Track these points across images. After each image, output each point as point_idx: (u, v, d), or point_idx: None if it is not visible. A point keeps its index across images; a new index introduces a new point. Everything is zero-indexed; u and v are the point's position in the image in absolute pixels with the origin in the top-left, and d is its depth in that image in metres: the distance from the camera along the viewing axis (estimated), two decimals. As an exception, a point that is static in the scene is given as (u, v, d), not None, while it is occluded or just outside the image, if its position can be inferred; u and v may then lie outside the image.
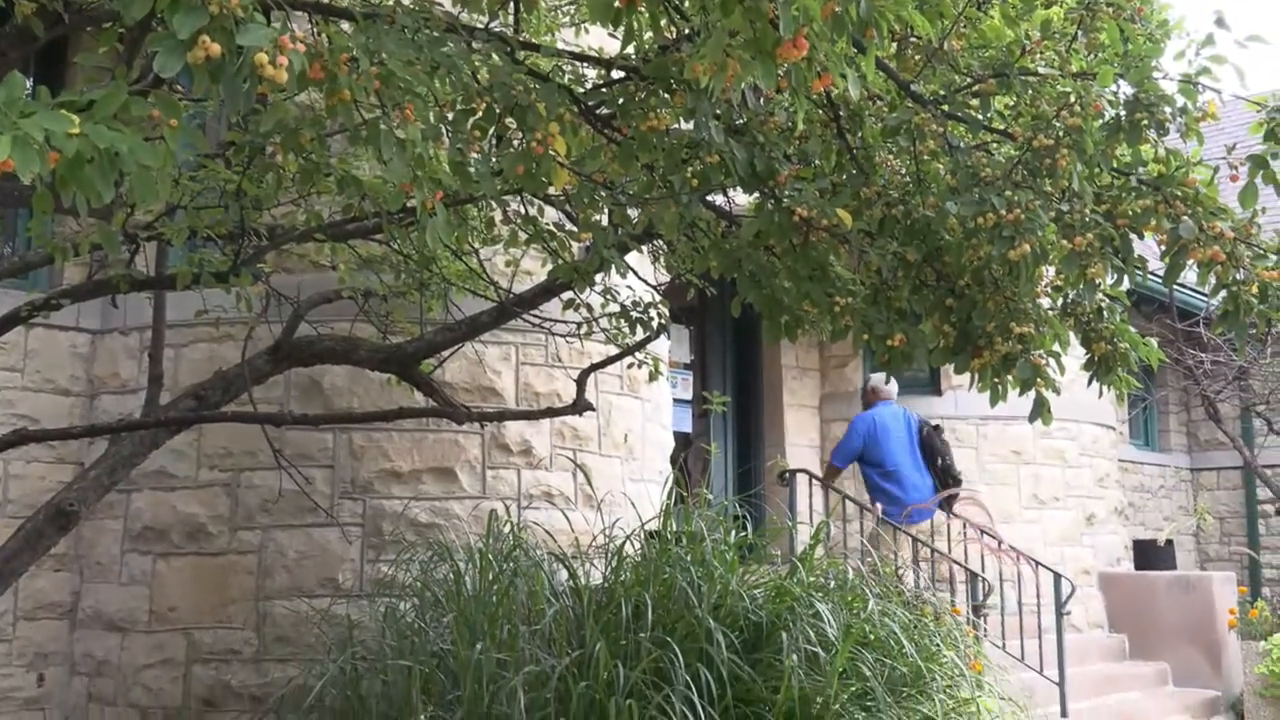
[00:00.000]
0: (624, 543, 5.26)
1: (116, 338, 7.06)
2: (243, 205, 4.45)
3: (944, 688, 4.96)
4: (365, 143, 2.83)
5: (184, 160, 4.39)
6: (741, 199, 4.68)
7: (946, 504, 9.22)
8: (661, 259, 5.93)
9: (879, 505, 9.07)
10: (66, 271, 6.70)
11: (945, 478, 9.16)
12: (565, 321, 5.98)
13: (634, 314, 5.64)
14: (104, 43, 3.21)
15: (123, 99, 2.31)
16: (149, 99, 2.38)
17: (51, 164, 2.13)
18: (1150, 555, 11.88)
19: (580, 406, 5.52)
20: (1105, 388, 4.40)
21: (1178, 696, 10.26)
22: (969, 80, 4.01)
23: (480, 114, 3.32)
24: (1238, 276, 3.85)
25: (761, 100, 3.85)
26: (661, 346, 7.52)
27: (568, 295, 5.44)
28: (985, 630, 8.20)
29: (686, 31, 3.58)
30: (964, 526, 9.70)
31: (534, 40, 4.61)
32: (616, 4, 2.75)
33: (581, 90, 3.99)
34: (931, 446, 9.17)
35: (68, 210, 2.61)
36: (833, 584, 5.41)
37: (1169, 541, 12.01)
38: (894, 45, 4.03)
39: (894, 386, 9.34)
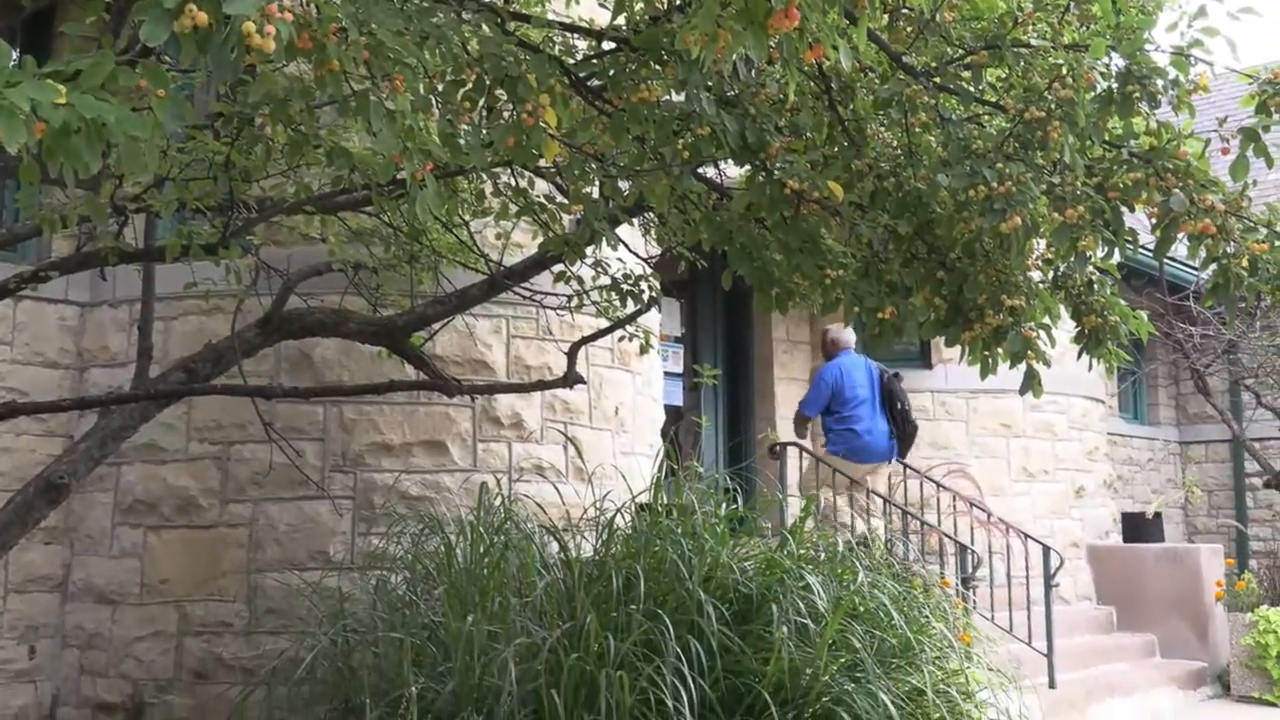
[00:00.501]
0: (615, 515, 5.26)
1: (105, 310, 7.03)
2: (231, 177, 4.43)
3: (933, 659, 4.98)
4: (354, 114, 2.81)
5: (172, 131, 4.36)
6: (733, 171, 4.67)
7: (902, 449, 9.34)
8: (652, 232, 5.92)
9: (834, 446, 9.15)
10: (55, 244, 6.68)
11: (904, 424, 9.26)
12: (556, 294, 5.97)
13: (625, 287, 5.63)
14: (90, 12, 3.18)
15: (109, 69, 2.29)
16: (136, 69, 2.36)
17: (38, 134, 2.12)
18: (1138, 528, 11.93)
19: (571, 379, 5.51)
20: (1095, 361, 4.40)
21: (1165, 668, 10.33)
22: (961, 52, 3.99)
23: (470, 85, 3.30)
24: (1228, 249, 3.85)
25: (753, 72, 3.84)
26: (652, 319, 7.51)
27: (558, 268, 5.42)
28: (974, 602, 8.25)
29: (678, 2, 3.56)
30: (954, 499, 9.74)
31: (524, 11, 4.58)
32: (607, -26, 2.73)
33: (572, 61, 3.97)
34: (891, 393, 9.28)
35: (54, 181, 2.60)
36: (823, 556, 5.42)
37: (1157, 514, 12.07)
38: (885, 16, 4.02)
39: (851, 335, 9.41)
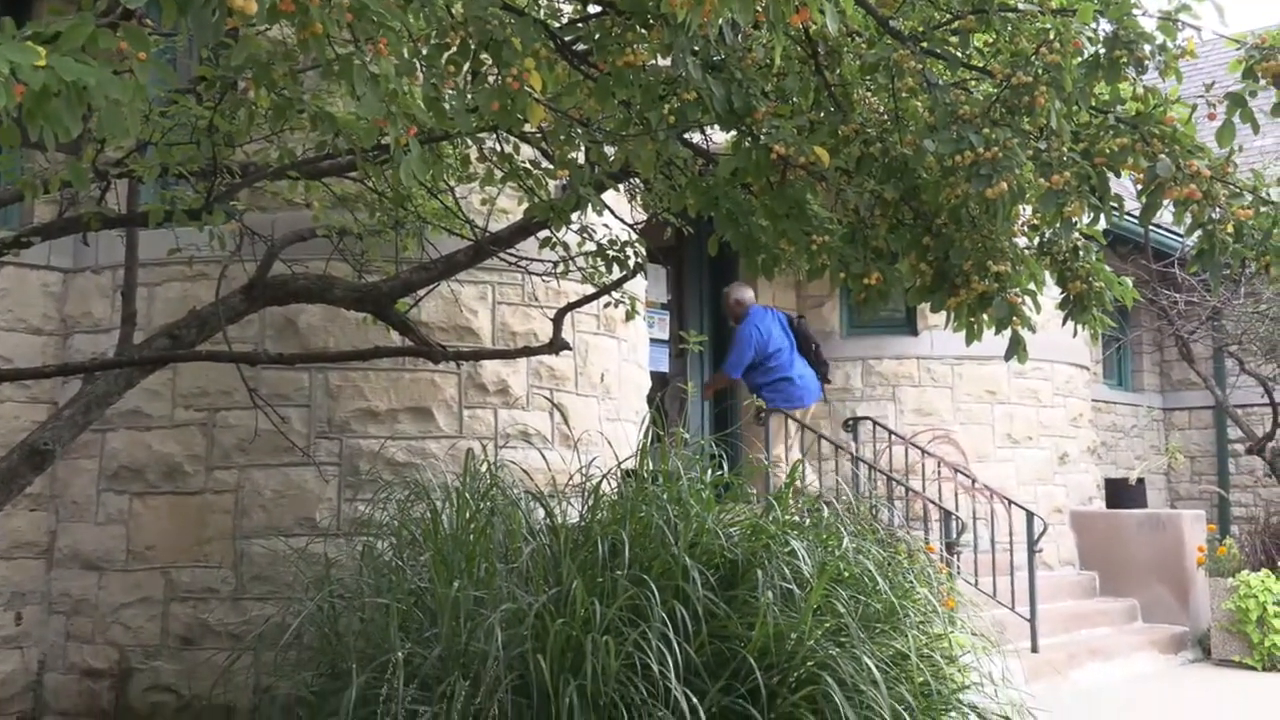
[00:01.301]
0: (601, 482, 5.27)
1: (89, 276, 7.00)
2: (215, 142, 4.40)
3: (917, 623, 5.01)
4: (338, 78, 2.79)
5: (154, 95, 4.32)
6: (719, 137, 4.65)
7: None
8: (639, 197, 5.90)
9: (772, 399, 9.39)
10: (37, 209, 6.63)
11: (820, 365, 9.67)
12: (542, 261, 5.95)
13: (611, 253, 5.62)
14: (70, -26, 3.15)
15: (90, 31, 2.27)
16: (117, 32, 2.33)
17: (17, 97, 2.10)
18: (1122, 494, 12.00)
19: (557, 346, 5.50)
20: (1080, 327, 4.41)
21: (1146, 632, 10.42)
22: (948, 16, 3.98)
23: (455, 49, 3.28)
24: (1213, 215, 3.86)
25: (739, 36, 3.82)
26: (638, 286, 7.50)
27: (544, 234, 5.40)
28: (958, 568, 8.30)
29: (664, -35, 3.53)
30: (938, 465, 9.79)
31: (509, -26, 4.54)
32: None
33: (558, 25, 3.94)
34: (805, 335, 9.66)
35: (35, 145, 2.58)
36: (808, 522, 5.44)
37: (1140, 480, 12.14)
38: (873, -20, 4.00)
39: (750, 291, 9.81)
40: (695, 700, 4.08)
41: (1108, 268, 4.34)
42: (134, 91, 2.32)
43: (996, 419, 10.95)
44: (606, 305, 6.76)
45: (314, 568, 5.64)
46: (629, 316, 6.41)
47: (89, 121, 2.38)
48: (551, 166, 4.67)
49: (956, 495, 9.62)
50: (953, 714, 4.90)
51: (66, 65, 2.16)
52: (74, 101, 2.18)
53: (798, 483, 5.85)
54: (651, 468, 5.37)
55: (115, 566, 6.59)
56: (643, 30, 3.54)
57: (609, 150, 4.15)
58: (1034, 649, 8.78)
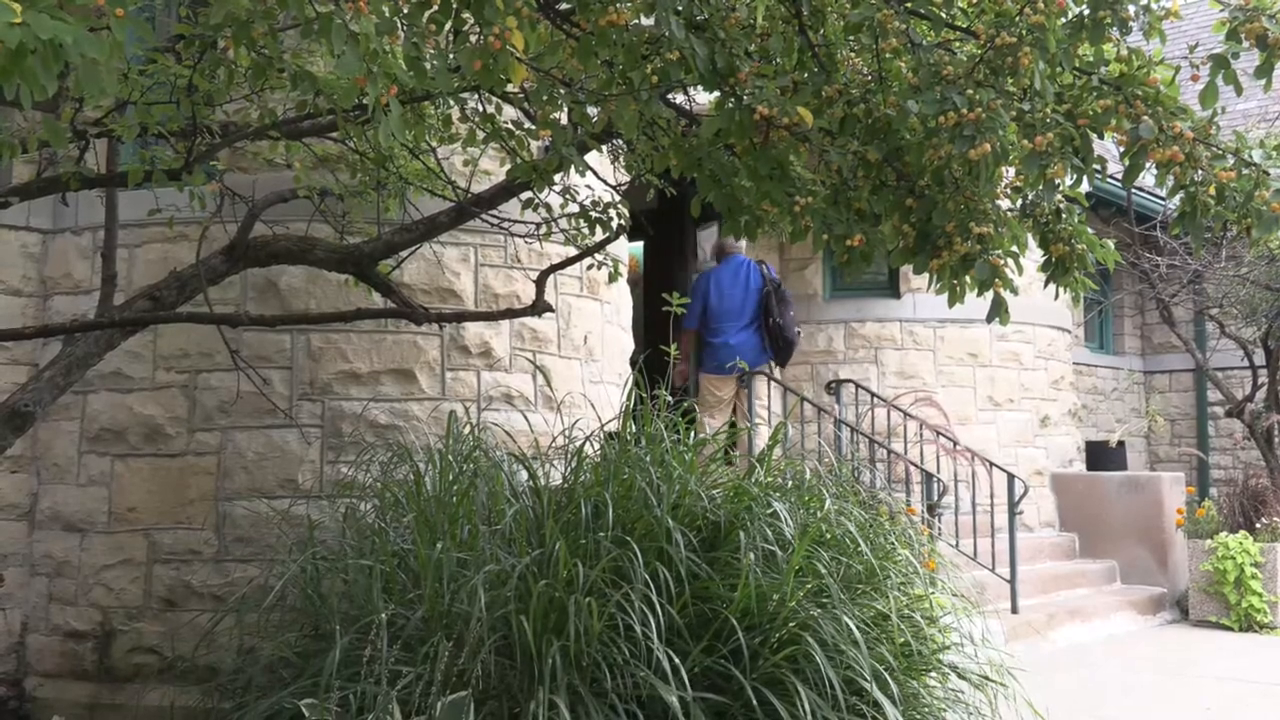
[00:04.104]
0: (584, 444, 5.27)
1: (68, 237, 6.95)
2: (194, 101, 4.36)
3: (898, 585, 5.04)
4: (318, 36, 2.77)
5: (132, 54, 4.28)
6: (702, 98, 4.63)
7: (779, 359, 9.35)
8: (621, 158, 5.88)
9: (703, 361, 9.20)
10: (15, 169, 6.57)
11: (776, 338, 9.18)
12: (524, 222, 5.93)
13: (594, 214, 5.61)
14: (45, -70, 3.10)
15: (66, -13, 2.24)
16: (93, -12, 2.31)
17: (-7, 54, 2.08)
18: (1102, 456, 12.08)
19: (539, 308, 5.49)
20: (1062, 290, 4.42)
21: (1125, 593, 10.52)
22: (932, -23, 3.95)
23: (436, 7, 3.25)
24: (1196, 177, 3.86)
25: (723, -4, 3.79)
26: (621, 248, 7.49)
27: (527, 195, 5.39)
28: (939, 529, 8.35)
29: (647, -77, 3.50)
30: (920, 427, 9.83)
31: (491, -68, 4.50)
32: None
33: (540, -16, 3.91)
34: (766, 306, 9.17)
35: (11, 103, 2.55)
36: (790, 484, 5.46)
37: (1120, 443, 12.22)
38: (857, -60, 3.97)
39: (742, 242, 9.27)
40: (678, 661, 4.10)
41: (1090, 230, 4.34)
42: (111, 49, 2.30)
43: (978, 382, 11.00)
44: (589, 267, 6.75)
45: (297, 529, 5.64)
46: (612, 278, 6.40)
47: (66, 80, 2.35)
48: (534, 127, 4.64)
49: (938, 457, 9.67)
50: (933, 674, 4.94)
51: (42, 22, 2.13)
52: (50, 59, 2.16)
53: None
54: (634, 430, 5.37)
55: (97, 528, 6.58)
56: (625, -11, 3.52)
57: (592, 111, 4.13)
58: (1014, 610, 8.86)
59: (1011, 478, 9.20)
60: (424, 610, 4.40)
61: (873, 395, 10.26)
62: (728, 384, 9.23)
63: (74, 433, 6.71)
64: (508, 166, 5.10)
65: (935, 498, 8.64)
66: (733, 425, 8.80)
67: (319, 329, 6.45)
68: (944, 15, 3.97)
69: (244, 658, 4.93)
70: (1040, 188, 3.96)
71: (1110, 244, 4.38)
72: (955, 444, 9.76)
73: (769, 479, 5.37)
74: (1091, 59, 3.97)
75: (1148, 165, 3.85)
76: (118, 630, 6.45)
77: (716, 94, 3.86)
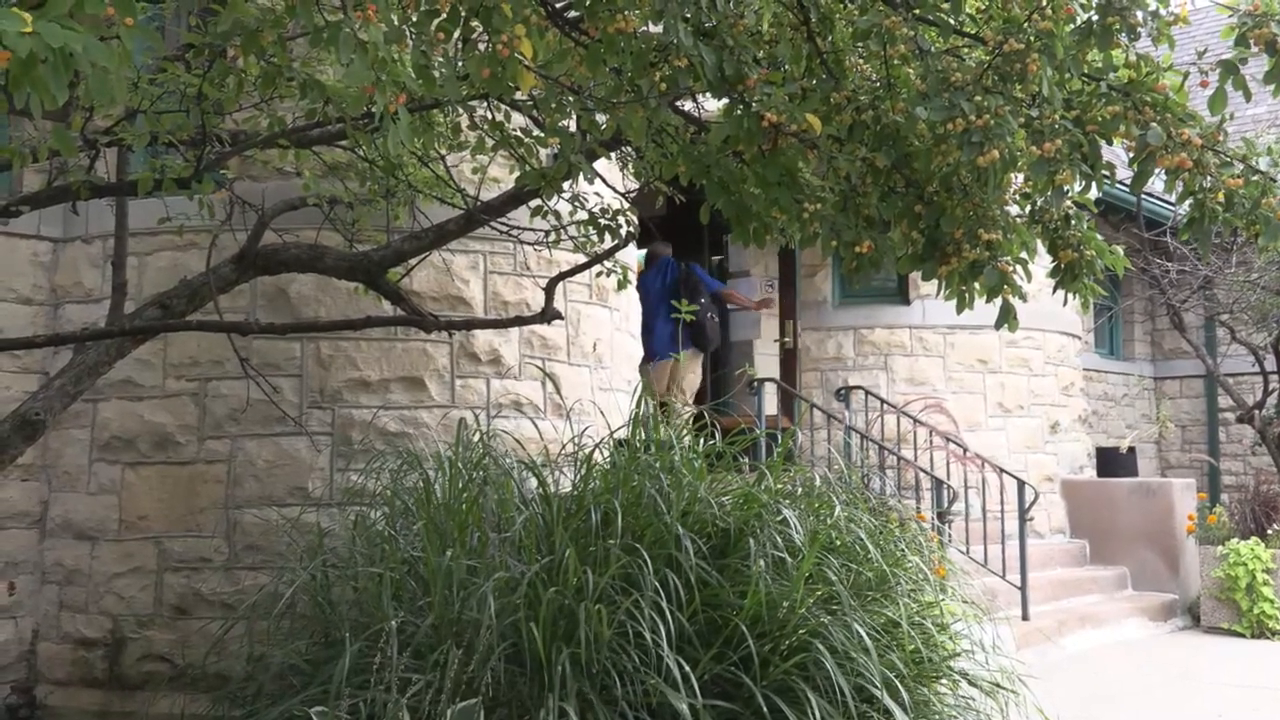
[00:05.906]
0: (593, 451, 5.27)
1: (79, 246, 6.97)
2: (204, 110, 4.37)
3: (908, 592, 5.03)
4: (326, 45, 2.77)
5: (142, 63, 4.30)
6: (710, 104, 4.64)
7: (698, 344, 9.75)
8: (630, 165, 5.88)
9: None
10: (25, 178, 6.60)
11: (690, 327, 9.54)
12: (533, 229, 5.94)
13: (603, 221, 5.61)
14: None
15: (76, -4, 2.25)
16: (103, -3, 2.32)
17: (3, 64, 2.08)
18: (1112, 462, 12.04)
19: (549, 315, 5.49)
20: (1071, 295, 4.41)
21: (1136, 599, 10.48)
22: (940, -17, 3.95)
23: (445, 15, 3.25)
24: (1204, 184, 3.85)
25: (731, 2, 3.80)
26: (630, 255, 7.49)
27: (536, 203, 5.39)
28: (949, 536, 8.33)
29: (655, -69, 3.50)
30: (930, 434, 9.81)
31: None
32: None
33: (548, -8, 3.91)
34: (676, 294, 9.55)
35: (21, 112, 2.56)
36: (800, 491, 5.45)
37: (1131, 449, 12.18)
38: (865, -53, 3.97)
39: (659, 246, 9.95)
40: (688, 668, 4.10)
41: (1099, 236, 4.33)
42: (121, 58, 2.31)
43: (988, 388, 10.97)
44: (599, 274, 6.75)
45: (307, 537, 5.65)
46: (621, 286, 6.41)
47: (76, 89, 2.36)
48: (542, 134, 4.65)
49: (948, 464, 9.65)
50: (944, 681, 4.93)
51: (52, 31, 2.14)
52: (60, 68, 2.16)
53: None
54: (644, 437, 5.37)
55: (108, 536, 6.59)
56: (633, -4, 3.52)
57: (600, 118, 4.14)
58: (1024, 616, 8.84)
59: (1022, 484, 9.18)
60: (434, 618, 4.41)
61: (882, 402, 10.24)
62: (661, 370, 9.76)
63: (84, 441, 6.73)
64: (516, 174, 5.10)
65: (945, 504, 8.62)
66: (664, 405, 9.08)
67: (329, 337, 6.46)
68: (952, 22, 3.97)
69: (254, 665, 4.94)
70: (1049, 194, 3.95)
71: (1119, 250, 4.38)
72: (965, 450, 9.74)
73: (779, 486, 5.36)
74: (1100, 65, 3.96)
75: (1156, 171, 3.84)
76: (128, 638, 6.46)
77: (725, 101, 3.86)
